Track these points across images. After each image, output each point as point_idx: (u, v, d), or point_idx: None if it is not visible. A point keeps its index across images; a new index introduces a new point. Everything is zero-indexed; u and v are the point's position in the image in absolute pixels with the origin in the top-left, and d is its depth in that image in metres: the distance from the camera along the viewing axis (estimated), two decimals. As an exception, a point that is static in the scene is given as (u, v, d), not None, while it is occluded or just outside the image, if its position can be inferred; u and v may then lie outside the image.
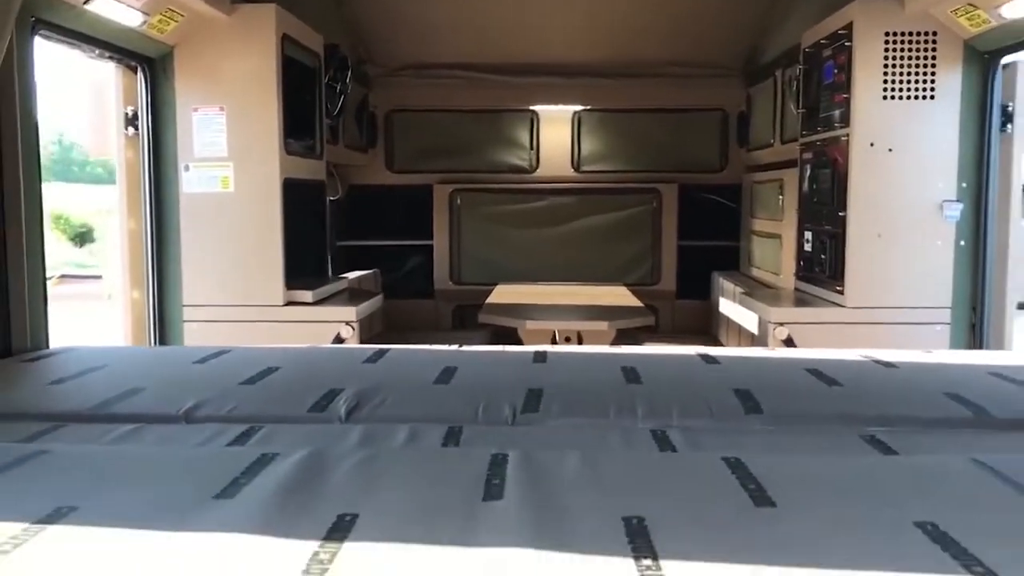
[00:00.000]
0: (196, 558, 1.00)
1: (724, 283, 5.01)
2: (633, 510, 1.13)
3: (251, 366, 2.06)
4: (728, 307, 4.80)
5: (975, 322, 3.32)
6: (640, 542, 1.04)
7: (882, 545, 1.05)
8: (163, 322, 3.37)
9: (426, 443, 1.51)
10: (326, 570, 0.96)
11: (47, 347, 2.50)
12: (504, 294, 4.69)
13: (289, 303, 3.39)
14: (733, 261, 5.43)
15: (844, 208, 3.35)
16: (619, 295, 4.85)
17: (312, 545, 1.02)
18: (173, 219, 3.33)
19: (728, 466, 1.33)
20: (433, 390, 1.88)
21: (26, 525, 1.08)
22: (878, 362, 2.19)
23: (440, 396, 1.84)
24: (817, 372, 2.03)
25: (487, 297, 4.48)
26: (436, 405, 1.77)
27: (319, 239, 3.92)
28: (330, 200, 4.21)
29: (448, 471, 1.34)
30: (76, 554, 1.01)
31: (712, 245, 5.48)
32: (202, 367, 2.13)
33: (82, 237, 67.41)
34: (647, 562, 0.98)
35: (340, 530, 1.06)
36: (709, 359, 2.23)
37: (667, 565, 0.97)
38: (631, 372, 2.01)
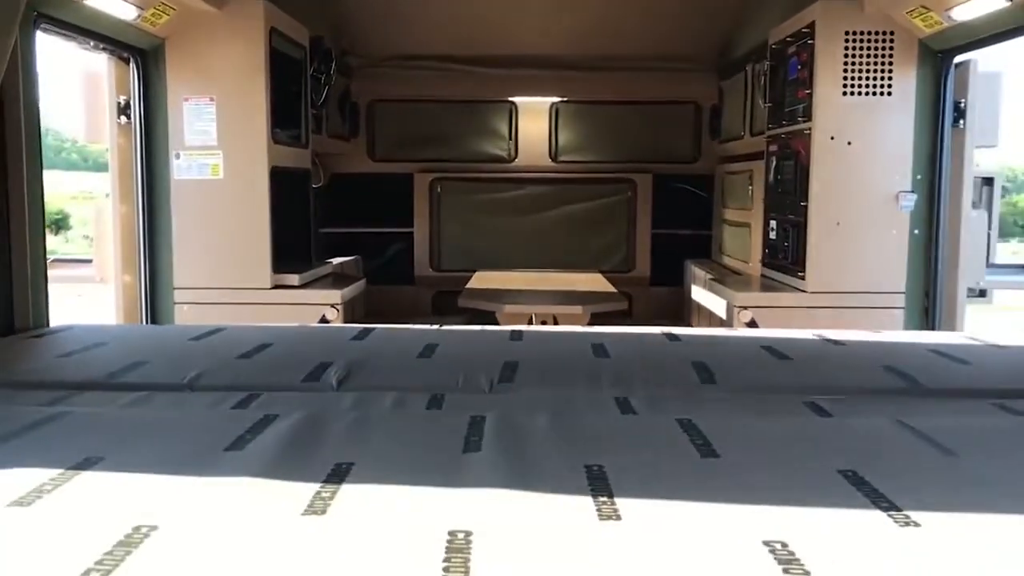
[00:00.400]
0: (215, 497, 1.15)
1: (696, 270, 5.19)
2: (594, 460, 1.29)
3: (245, 343, 2.21)
4: (699, 293, 4.98)
5: (928, 306, 3.52)
6: (599, 484, 1.20)
7: (807, 487, 1.22)
8: (155, 304, 3.50)
9: (412, 408, 1.67)
10: (328, 505, 1.12)
11: (47, 325, 2.63)
12: (483, 280, 4.83)
13: (276, 286, 3.54)
14: (706, 249, 5.61)
15: (806, 198, 3.53)
16: (594, 281, 5.01)
17: (314, 487, 1.17)
18: (164, 205, 3.46)
19: (680, 426, 1.49)
20: (417, 363, 2.03)
21: (61, 471, 1.23)
22: (828, 340, 2.37)
23: (423, 368, 1.99)
24: (770, 348, 2.20)
25: (466, 283, 4.63)
26: (420, 376, 1.93)
27: (304, 225, 4.06)
28: (313, 187, 4.34)
29: (432, 429, 1.50)
30: (109, 494, 1.16)
31: (685, 234, 5.66)
32: (199, 343, 2.27)
33: (58, 224, 66.74)
34: (603, 499, 1.14)
35: (338, 475, 1.22)
36: (672, 337, 2.40)
37: (620, 502, 1.14)
38: (600, 348, 2.17)
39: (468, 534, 1.01)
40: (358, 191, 5.54)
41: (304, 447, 1.36)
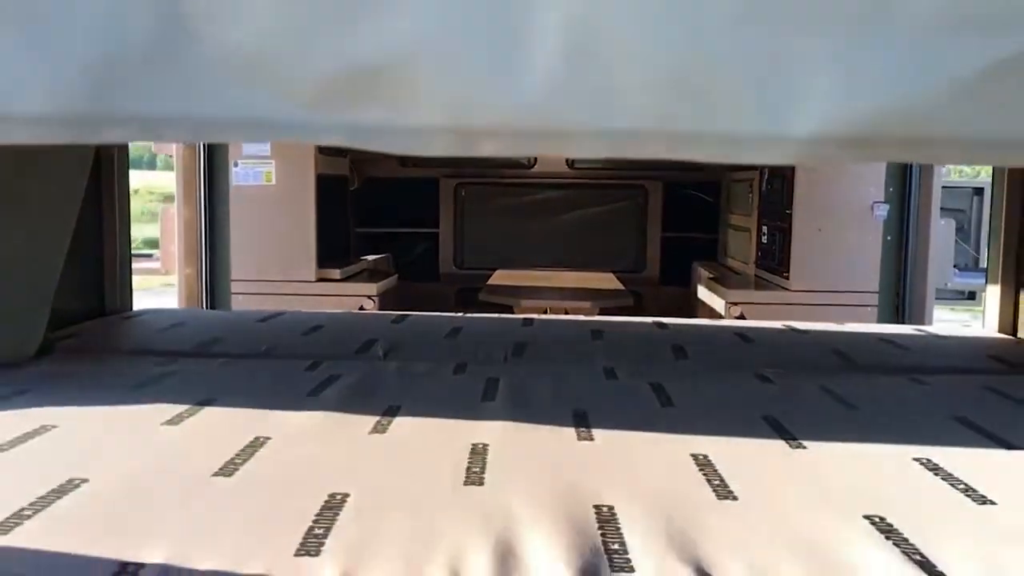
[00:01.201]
0: (308, 422, 1.61)
1: (701, 271, 5.62)
2: (579, 406, 1.73)
3: (303, 324, 2.67)
4: (702, 292, 5.40)
5: (898, 304, 3.93)
6: (580, 420, 1.64)
7: (734, 425, 1.65)
8: (214, 294, 3.98)
9: (442, 373, 2.11)
10: (387, 428, 1.57)
11: (131, 309, 3.10)
12: (502, 277, 5.29)
13: (320, 279, 4.01)
14: (713, 252, 6.04)
15: (790, 207, 3.95)
16: (605, 280, 5.46)
17: (375, 417, 1.62)
18: (223, 207, 3.94)
19: (651, 388, 1.93)
20: (445, 341, 2.48)
21: (189, 405, 1.69)
22: (793, 329, 2.80)
23: (450, 345, 2.45)
24: (741, 335, 2.64)
25: (486, 280, 5.09)
26: (448, 351, 2.38)
27: (343, 226, 4.54)
28: (350, 190, 4.82)
29: (458, 386, 1.95)
30: (231, 419, 1.62)
31: (694, 237, 6.09)
32: (265, 324, 2.74)
33: None
34: (582, 429, 1.59)
35: (391, 411, 1.67)
36: (661, 325, 2.83)
37: (595, 431, 1.58)
38: (597, 332, 2.62)
39: (486, 445, 1.46)
40: (389, 194, 6.01)
41: (363, 395, 1.82)
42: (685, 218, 6.14)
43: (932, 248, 3.92)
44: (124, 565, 0.98)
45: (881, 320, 3.92)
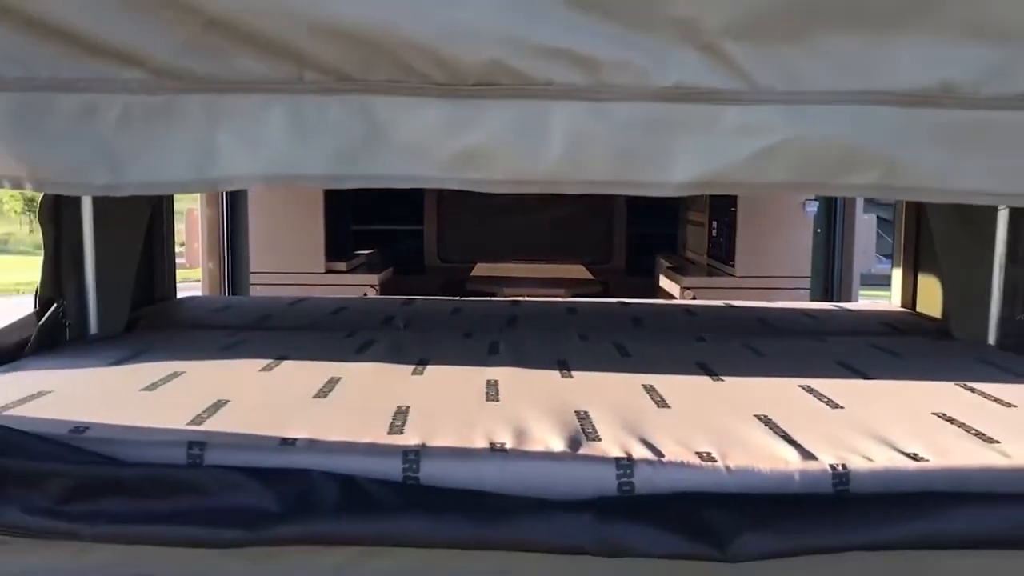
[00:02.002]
0: (361, 370, 2.18)
1: (662, 262, 6.26)
2: (561, 358, 2.32)
3: (328, 306, 3.24)
4: (663, 281, 6.05)
5: (827, 287, 4.58)
6: (563, 367, 2.23)
7: (676, 370, 2.25)
8: (234, 285, 4.52)
9: (453, 338, 2.70)
10: (422, 372, 2.15)
11: (175, 296, 3.64)
12: (483, 269, 5.89)
13: (328, 271, 4.57)
14: (675, 246, 6.68)
15: (735, 204, 4.59)
16: (576, 271, 6.08)
17: (411, 366, 2.20)
18: (242, 206, 4.48)
19: (614, 346, 2.53)
20: (450, 317, 3.07)
21: (269, 361, 2.25)
22: (731, 306, 3.42)
23: (456, 320, 3.03)
24: (687, 310, 3.25)
25: (468, 273, 5.68)
26: (455, 324, 2.96)
27: (345, 224, 5.10)
28: (348, 192, 5.38)
29: (469, 346, 2.54)
30: (307, 368, 2.19)
31: (657, 233, 6.72)
32: (296, 307, 3.30)
33: None
34: (564, 371, 2.18)
35: (423, 363, 2.25)
36: (624, 304, 3.44)
37: (574, 372, 2.17)
38: (571, 309, 3.22)
39: (497, 381, 2.05)
40: (378, 194, 6.57)
41: (397, 352, 2.39)
42: (649, 215, 6.77)
43: (856, 239, 4.57)
44: (284, 440, 1.55)
45: (813, 300, 4.57)
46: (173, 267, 3.65)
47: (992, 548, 1.38)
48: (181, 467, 1.44)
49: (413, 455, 1.47)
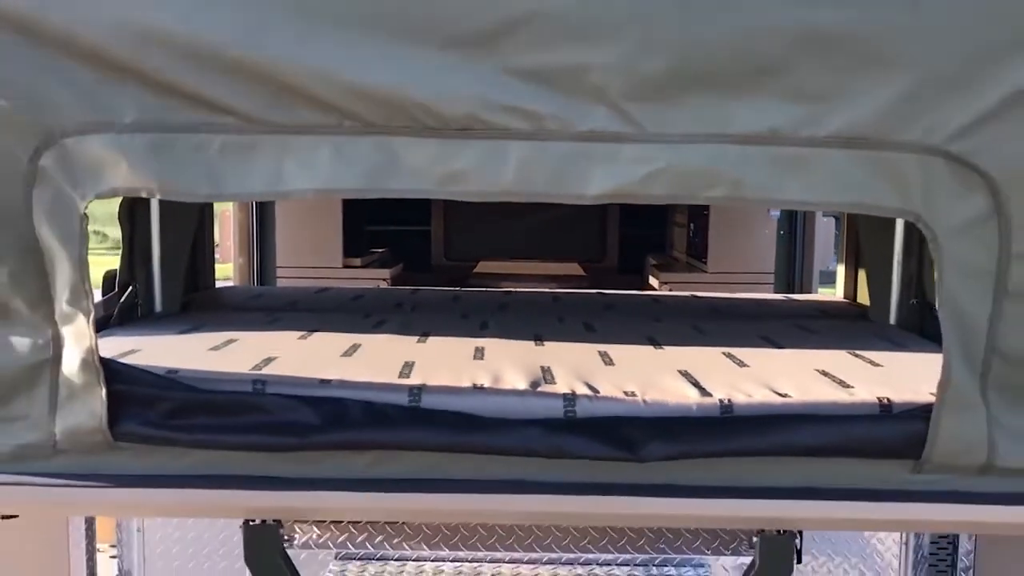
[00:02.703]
0: (377, 339, 2.73)
1: (650, 260, 6.81)
2: (537, 333, 2.87)
3: (347, 294, 3.80)
4: (651, 279, 6.60)
5: (790, 283, 5.12)
6: (537, 339, 2.77)
7: (627, 340, 2.80)
8: (262, 277, 5.09)
9: (453, 318, 3.25)
10: (425, 340, 2.70)
11: (215, 286, 4.21)
12: (485, 267, 6.45)
13: (345, 266, 5.14)
14: (664, 246, 7.23)
15: (708, 208, 5.13)
16: (571, 269, 6.64)
17: (416, 336, 2.75)
18: (270, 208, 5.05)
19: (583, 325, 3.07)
20: (452, 303, 3.63)
21: (304, 332, 2.81)
22: (694, 296, 3.96)
23: (455, 305, 3.59)
24: (654, 299, 3.80)
25: (471, 270, 6.24)
26: (454, 308, 3.52)
27: (359, 225, 5.67)
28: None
29: (464, 324, 3.08)
30: (337, 337, 2.74)
31: (648, 234, 7.27)
32: (322, 295, 3.86)
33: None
34: (538, 342, 2.72)
35: (425, 335, 2.80)
36: (602, 294, 3.99)
37: (546, 343, 2.72)
38: (556, 298, 3.78)
39: (483, 348, 2.60)
40: (391, 199, 7.12)
41: (406, 328, 2.94)
42: (641, 219, 7.32)
43: (816, 240, 5.10)
44: (322, 380, 2.11)
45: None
46: (213, 261, 4.22)
47: (827, 455, 1.93)
48: (250, 394, 2.00)
49: (416, 390, 2.03)
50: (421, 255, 7.21)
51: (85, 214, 1.77)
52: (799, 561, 2.39)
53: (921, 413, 1.89)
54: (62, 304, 1.82)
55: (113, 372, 1.91)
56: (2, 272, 1.80)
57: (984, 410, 1.84)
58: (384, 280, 5.15)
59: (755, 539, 2.09)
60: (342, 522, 2.47)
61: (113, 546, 3.60)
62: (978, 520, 1.99)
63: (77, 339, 1.83)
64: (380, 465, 1.95)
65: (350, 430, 1.93)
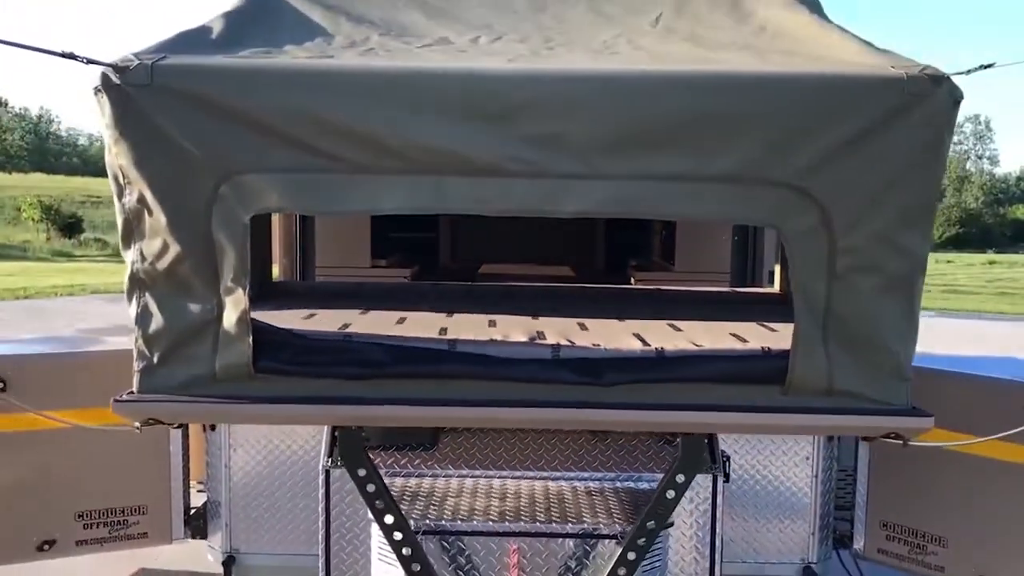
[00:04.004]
0: (420, 313, 3.72)
1: (631, 263, 7.82)
2: (534, 312, 3.86)
3: (384, 287, 4.79)
4: (631, 278, 7.61)
5: (743, 278, 6.12)
6: (533, 315, 3.77)
7: (598, 316, 3.79)
8: (304, 275, 6.07)
9: (468, 304, 4.23)
10: (451, 317, 3.69)
11: (271, 280, 5.18)
12: (488, 269, 7.45)
13: (372, 266, 6.13)
14: (648, 251, 8.23)
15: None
16: (563, 271, 7.64)
17: (444, 314, 3.74)
18: (311, 217, 6.02)
19: (569, 306, 4.07)
20: (465, 294, 4.62)
21: (359, 311, 3.80)
22: (659, 289, 4.97)
23: (468, 296, 4.58)
24: (625, 290, 4.80)
25: (476, 271, 7.23)
26: (468, 298, 4.50)
27: (384, 231, 6.68)
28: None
29: (478, 305, 4.07)
30: (386, 314, 3.72)
31: (634, 240, 8.28)
32: (364, 286, 4.85)
33: (71, 228, 65.97)
34: (534, 317, 3.72)
35: (451, 313, 3.79)
36: (583, 287, 4.99)
37: (540, 318, 3.72)
38: (549, 291, 4.78)
39: (495, 320, 3.59)
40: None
41: (436, 308, 3.92)
42: (623, 227, 8.33)
43: (766, 243, 6.10)
44: (387, 335, 3.10)
45: (732, 290, 6.11)
46: (270, 260, 5.21)
47: (726, 383, 2.92)
48: (342, 342, 3.00)
49: (452, 341, 3.04)
50: (431, 258, 8.20)
51: (246, 224, 2.76)
52: (727, 480, 3.42)
53: (787, 355, 2.89)
54: (226, 282, 2.81)
55: (255, 328, 2.90)
56: (189, 261, 2.78)
57: (824, 352, 2.83)
58: (405, 277, 6.13)
59: (678, 440, 3.09)
60: (392, 447, 3.47)
61: (201, 482, 4.60)
62: (823, 424, 3.00)
63: (235, 305, 2.82)
64: (427, 389, 2.94)
65: (409, 365, 2.92)
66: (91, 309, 19.79)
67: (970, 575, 3.94)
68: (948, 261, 55.59)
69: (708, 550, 3.76)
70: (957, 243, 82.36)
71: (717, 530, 3.71)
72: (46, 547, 4.15)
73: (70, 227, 55.63)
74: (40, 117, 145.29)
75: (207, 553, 4.43)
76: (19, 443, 4.05)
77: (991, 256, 67.92)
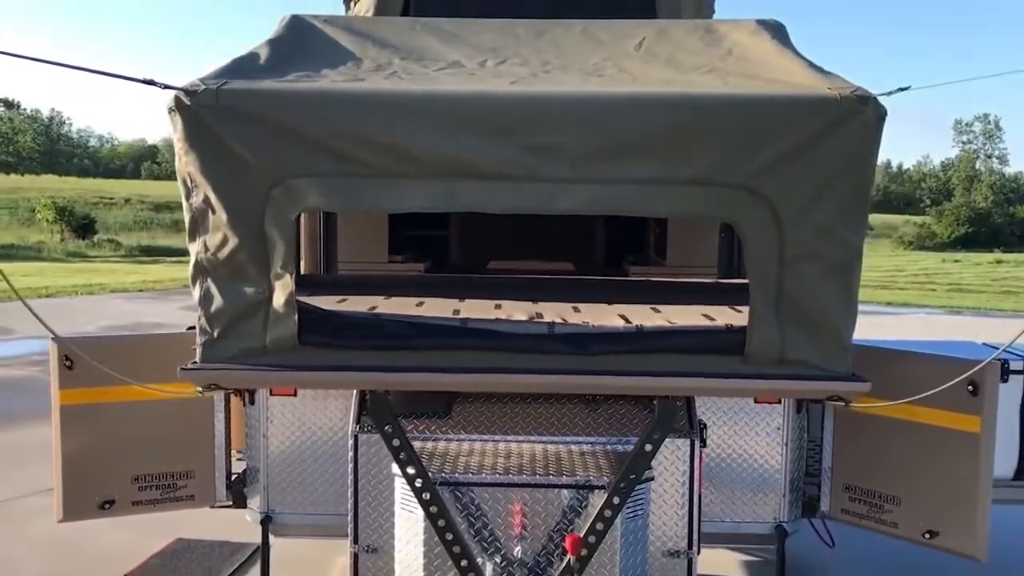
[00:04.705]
0: (433, 300, 4.29)
1: (628, 258, 8.34)
2: (533, 298, 4.41)
3: (401, 278, 5.35)
4: (628, 272, 8.14)
5: (729, 271, 6.64)
6: (533, 300, 4.32)
7: (592, 299, 4.34)
8: (327, 270, 6.61)
9: (477, 292, 4.78)
10: (462, 302, 4.25)
11: (301, 274, 5.74)
12: (494, 265, 8.00)
13: (389, 261, 6.69)
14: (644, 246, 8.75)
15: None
16: (564, 267, 8.18)
17: (456, 300, 4.30)
18: (334, 215, 6.57)
19: (565, 293, 4.62)
20: (475, 284, 5.18)
21: (384, 296, 4.36)
22: (648, 278, 5.51)
23: (478, 285, 5.13)
24: (617, 282, 5.35)
25: (483, 267, 7.78)
26: (478, 288, 5.06)
27: (399, 229, 7.23)
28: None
29: (486, 294, 4.63)
30: (406, 299, 4.29)
31: (627, 237, 8.78)
32: (383, 278, 5.40)
33: (84, 229, 66.77)
34: (534, 302, 4.27)
35: (462, 299, 4.34)
36: (579, 278, 5.53)
37: (539, 303, 4.27)
38: (548, 281, 5.33)
39: (500, 304, 4.14)
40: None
41: (449, 295, 4.48)
42: (626, 224, 8.85)
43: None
44: (411, 314, 3.65)
45: (719, 282, 6.64)
46: (298, 255, 5.77)
47: (696, 353, 3.47)
48: (372, 319, 3.56)
49: (464, 320, 3.60)
50: (443, 255, 8.73)
51: (293, 220, 3.32)
52: (703, 445, 3.97)
53: (745, 331, 3.44)
54: (275, 269, 3.37)
55: (300, 308, 3.46)
56: (245, 252, 3.35)
57: (777, 328, 3.37)
58: (419, 271, 6.68)
59: (655, 402, 3.64)
60: (411, 415, 4.03)
61: (241, 451, 5.17)
62: (775, 388, 3.55)
63: (283, 288, 3.38)
64: (443, 359, 3.49)
65: (428, 339, 3.48)
66: (111, 308, 20.47)
67: (920, 530, 4.47)
68: (956, 260, 55.86)
69: (687, 508, 4.31)
70: (966, 242, 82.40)
71: (695, 490, 4.26)
72: (107, 506, 4.71)
73: (84, 228, 56.43)
74: (51, 119, 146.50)
75: (246, 514, 5.00)
76: (84, 415, 4.61)
77: (999, 255, 68.17)
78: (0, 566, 6.41)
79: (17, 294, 3.27)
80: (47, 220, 57.43)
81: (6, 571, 6.36)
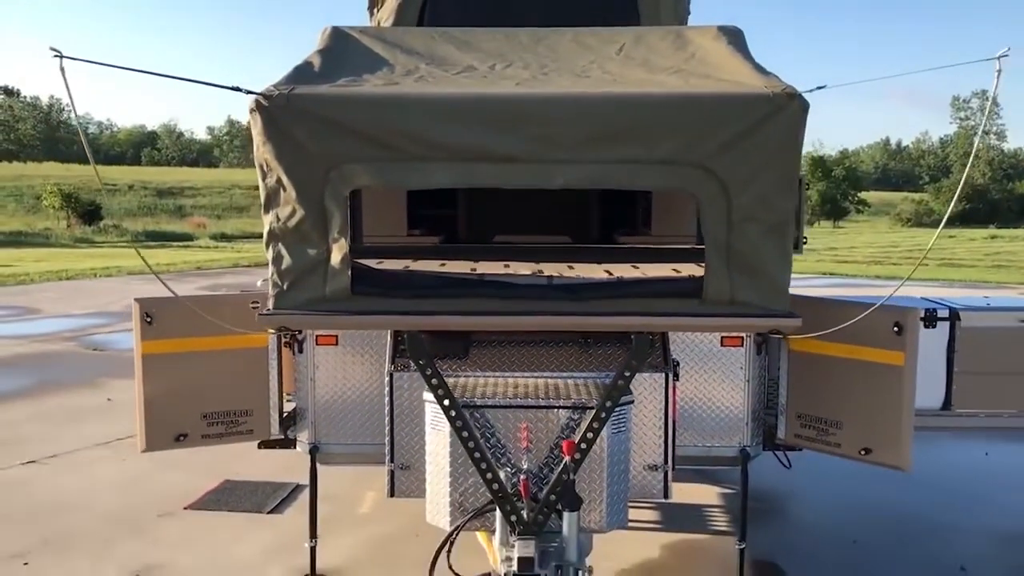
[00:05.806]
0: (452, 262, 5.20)
1: (619, 231, 9.25)
2: (537, 261, 5.33)
3: (422, 248, 6.26)
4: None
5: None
6: (536, 263, 5.24)
7: (584, 261, 5.25)
8: (353, 241, 7.51)
9: (488, 258, 5.68)
10: (476, 263, 5.17)
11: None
12: (499, 239, 8.91)
13: (408, 235, 7.60)
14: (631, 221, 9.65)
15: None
16: (562, 239, 9.10)
17: (472, 263, 5.22)
18: (359, 192, 7.47)
19: (561, 256, 5.53)
20: (485, 251, 6.09)
21: (411, 260, 5.27)
22: (633, 247, 6.42)
23: (488, 252, 6.04)
24: (606, 249, 6.26)
25: (490, 240, 8.68)
26: (489, 253, 5.97)
27: (416, 206, 8.12)
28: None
29: (495, 256, 5.54)
30: (430, 263, 5.21)
31: (621, 211, 9.68)
32: (409, 245, 6.31)
33: (90, 215, 67.60)
34: (536, 266, 5.18)
35: (478, 260, 5.26)
36: (576, 246, 6.44)
37: (541, 264, 5.19)
38: (548, 249, 6.24)
39: (508, 264, 5.06)
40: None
41: (465, 259, 5.39)
42: (621, 199, 9.75)
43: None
44: (436, 269, 4.57)
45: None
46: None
47: (665, 297, 4.39)
48: (406, 273, 4.49)
49: (480, 274, 4.52)
50: (454, 229, 9.61)
51: (346, 196, 4.22)
52: (676, 379, 4.90)
53: (703, 279, 4.35)
54: (332, 234, 4.27)
55: (352, 266, 4.37)
56: (309, 221, 4.24)
57: (727, 276, 4.28)
58: (434, 243, 7.60)
59: (632, 337, 4.56)
60: (436, 356, 4.94)
61: (290, 394, 6.11)
62: (727, 324, 4.47)
63: (339, 250, 4.28)
64: (463, 305, 4.40)
65: (452, 288, 4.39)
66: (131, 288, 21.35)
67: (858, 447, 5.40)
68: (950, 236, 56.61)
69: (664, 431, 5.24)
70: (963, 219, 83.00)
71: (670, 415, 5.19)
72: (181, 439, 5.63)
73: (90, 214, 57.19)
74: (51, 106, 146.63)
75: (297, 445, 5.94)
76: (162, 362, 5.53)
77: (993, 231, 68.92)
78: (83, 500, 7.40)
79: (151, 268, 4.20)
80: (53, 207, 58.18)
81: (90, 502, 7.35)
